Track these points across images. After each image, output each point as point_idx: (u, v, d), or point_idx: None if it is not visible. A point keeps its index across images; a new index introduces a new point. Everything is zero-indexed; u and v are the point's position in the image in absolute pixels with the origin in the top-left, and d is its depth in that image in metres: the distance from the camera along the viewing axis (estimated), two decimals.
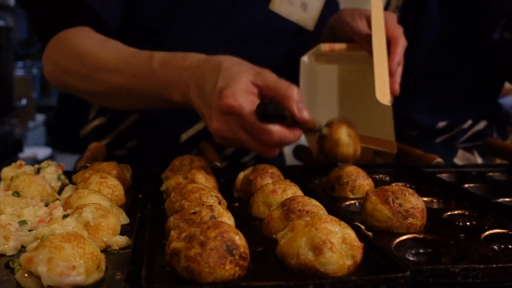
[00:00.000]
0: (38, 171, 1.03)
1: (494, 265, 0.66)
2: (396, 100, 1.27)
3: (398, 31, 1.22)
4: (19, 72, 5.79)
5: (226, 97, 0.90)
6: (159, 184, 1.02)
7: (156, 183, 1.03)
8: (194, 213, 0.72)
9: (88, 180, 0.93)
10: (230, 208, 0.85)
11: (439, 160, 1.30)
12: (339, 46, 1.28)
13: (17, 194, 0.89)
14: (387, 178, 1.17)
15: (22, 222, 0.78)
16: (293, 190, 0.87)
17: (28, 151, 4.24)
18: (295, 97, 0.92)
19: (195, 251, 0.59)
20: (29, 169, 1.04)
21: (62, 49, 1.22)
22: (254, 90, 0.94)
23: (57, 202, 0.89)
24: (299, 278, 0.61)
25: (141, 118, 1.45)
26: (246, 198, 0.96)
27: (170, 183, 0.95)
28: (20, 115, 4.28)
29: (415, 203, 0.80)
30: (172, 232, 0.63)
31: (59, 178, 1.02)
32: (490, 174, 1.22)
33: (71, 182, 1.02)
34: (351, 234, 0.65)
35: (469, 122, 1.82)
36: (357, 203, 0.95)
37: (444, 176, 1.18)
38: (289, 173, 1.09)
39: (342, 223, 0.66)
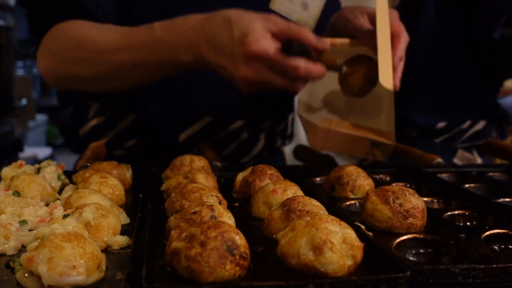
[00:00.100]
0: (38, 171, 1.03)
1: (494, 265, 0.66)
2: (395, 100, 1.27)
3: (401, 27, 1.23)
4: (19, 71, 5.77)
5: (249, 43, 0.98)
6: (159, 183, 1.02)
7: (156, 183, 1.03)
8: (195, 213, 0.72)
9: (88, 179, 0.93)
10: (230, 208, 0.84)
11: (439, 160, 1.30)
12: (340, 41, 1.29)
13: (17, 193, 0.89)
14: (388, 178, 1.17)
15: (23, 222, 0.78)
16: (293, 190, 0.87)
17: (28, 151, 4.23)
18: (309, 33, 1.03)
19: (195, 251, 0.59)
20: (29, 168, 1.04)
21: (59, 38, 1.23)
22: (269, 34, 1.01)
23: (58, 201, 0.89)
24: (300, 278, 0.61)
25: (140, 117, 1.44)
26: (245, 199, 0.96)
27: (170, 182, 0.95)
28: (20, 115, 4.27)
29: (415, 203, 0.80)
30: (172, 232, 0.63)
31: (59, 178, 1.02)
32: (490, 174, 1.22)
33: (71, 181, 1.02)
34: (351, 234, 0.65)
35: (468, 122, 1.82)
36: (357, 203, 0.95)
37: (444, 176, 1.18)
38: (289, 173, 1.09)
39: (343, 223, 0.66)
